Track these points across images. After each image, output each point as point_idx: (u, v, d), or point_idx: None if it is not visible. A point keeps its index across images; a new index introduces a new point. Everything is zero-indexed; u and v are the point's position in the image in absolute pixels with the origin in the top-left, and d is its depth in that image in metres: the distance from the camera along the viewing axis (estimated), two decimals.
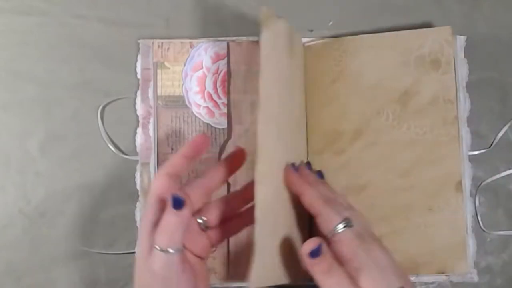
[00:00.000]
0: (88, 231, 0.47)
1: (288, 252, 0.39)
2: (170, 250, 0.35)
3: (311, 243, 0.36)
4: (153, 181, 0.38)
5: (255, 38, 0.47)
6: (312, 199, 0.38)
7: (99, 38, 0.48)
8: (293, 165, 0.40)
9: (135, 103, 0.47)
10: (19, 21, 0.48)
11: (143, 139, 0.46)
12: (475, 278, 0.46)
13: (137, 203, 0.47)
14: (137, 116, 0.46)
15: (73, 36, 0.48)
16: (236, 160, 0.40)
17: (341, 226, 0.36)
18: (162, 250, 0.35)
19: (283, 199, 0.39)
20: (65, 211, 0.46)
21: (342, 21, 0.49)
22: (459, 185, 0.45)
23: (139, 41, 0.47)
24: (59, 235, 0.45)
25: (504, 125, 0.48)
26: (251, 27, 0.48)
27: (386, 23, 0.48)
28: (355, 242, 0.35)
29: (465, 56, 0.48)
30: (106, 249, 0.47)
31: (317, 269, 0.36)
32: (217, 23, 0.48)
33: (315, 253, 0.36)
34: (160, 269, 0.35)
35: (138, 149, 0.46)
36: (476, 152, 0.47)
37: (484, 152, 0.47)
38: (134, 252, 0.45)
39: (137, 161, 0.46)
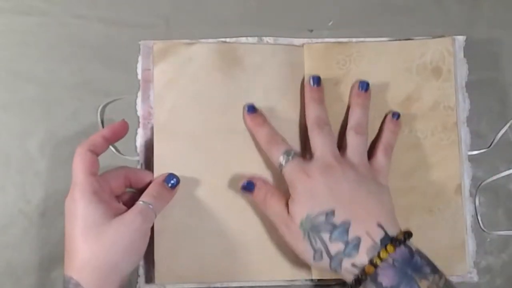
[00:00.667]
0: None
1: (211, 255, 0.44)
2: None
3: (241, 181, 0.42)
4: (77, 157, 0.39)
5: (254, 40, 0.47)
6: (259, 138, 0.43)
7: (99, 38, 0.48)
8: (250, 106, 0.44)
9: (135, 104, 0.47)
10: (19, 21, 0.48)
11: (144, 139, 0.46)
12: (475, 278, 0.46)
13: None
14: (138, 117, 0.46)
15: (73, 36, 0.48)
16: (119, 131, 0.42)
17: (282, 159, 0.41)
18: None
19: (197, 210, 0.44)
20: None
21: (342, 21, 0.49)
22: (459, 188, 0.45)
23: (140, 42, 0.47)
24: (59, 235, 0.45)
25: (504, 125, 0.48)
26: (251, 27, 0.48)
27: (386, 23, 0.49)
28: (293, 173, 0.40)
29: (464, 56, 0.48)
30: None
31: (256, 200, 0.42)
32: (217, 23, 0.48)
33: (247, 188, 0.42)
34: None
35: (138, 150, 0.46)
36: (476, 152, 0.47)
37: (484, 152, 0.48)
38: None
39: (137, 161, 0.46)
